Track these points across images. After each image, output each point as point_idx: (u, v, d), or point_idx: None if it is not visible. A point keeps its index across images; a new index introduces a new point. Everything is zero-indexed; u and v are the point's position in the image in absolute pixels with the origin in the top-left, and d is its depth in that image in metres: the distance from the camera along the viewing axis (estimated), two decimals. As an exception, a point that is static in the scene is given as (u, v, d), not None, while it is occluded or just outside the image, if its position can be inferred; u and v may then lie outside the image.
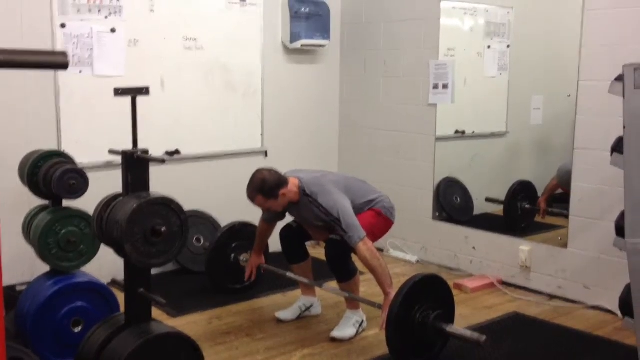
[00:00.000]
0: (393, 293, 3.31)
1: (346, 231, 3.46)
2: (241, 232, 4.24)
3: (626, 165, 2.57)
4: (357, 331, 3.68)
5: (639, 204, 2.53)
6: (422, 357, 3.28)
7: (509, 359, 3.42)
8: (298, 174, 3.66)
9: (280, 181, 3.55)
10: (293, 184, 3.59)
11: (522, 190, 4.97)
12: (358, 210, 3.60)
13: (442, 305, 3.31)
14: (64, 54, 1.50)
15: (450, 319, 3.36)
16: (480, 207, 5.27)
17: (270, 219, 3.90)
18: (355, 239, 3.44)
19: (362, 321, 3.72)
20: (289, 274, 3.95)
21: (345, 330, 3.66)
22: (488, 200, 5.19)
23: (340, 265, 3.62)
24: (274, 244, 4.09)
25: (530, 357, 3.44)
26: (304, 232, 3.86)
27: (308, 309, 3.93)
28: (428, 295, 3.27)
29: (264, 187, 3.53)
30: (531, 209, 4.92)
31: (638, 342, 2.69)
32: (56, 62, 1.52)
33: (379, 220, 3.74)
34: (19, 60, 1.49)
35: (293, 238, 3.88)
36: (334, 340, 3.61)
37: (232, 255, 4.20)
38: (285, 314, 3.90)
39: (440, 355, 3.36)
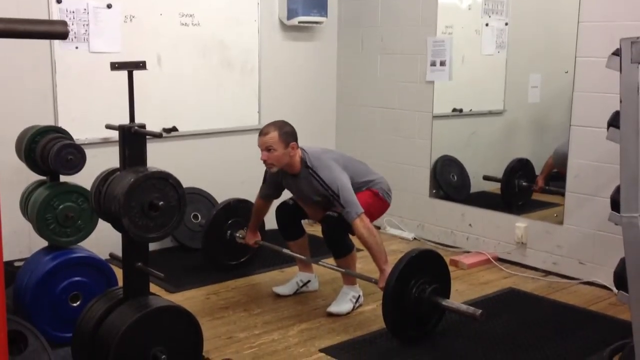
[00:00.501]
0: (388, 269, 3.34)
1: (344, 206, 3.47)
2: (237, 209, 4.25)
3: (622, 139, 2.57)
4: (354, 306, 3.71)
5: (634, 178, 2.53)
6: (418, 331, 3.31)
7: (505, 333, 3.44)
8: (302, 147, 3.67)
9: (296, 136, 3.59)
10: (298, 153, 3.60)
11: (520, 168, 4.98)
12: (356, 189, 3.61)
13: (438, 280, 3.33)
14: (63, 23, 1.49)
15: (446, 294, 3.38)
16: (477, 185, 5.27)
17: (267, 195, 3.91)
18: (352, 214, 3.46)
19: (359, 296, 3.75)
20: (285, 250, 3.96)
21: (342, 305, 3.68)
22: (486, 178, 5.20)
23: (337, 241, 3.64)
24: (270, 221, 4.10)
25: (526, 332, 3.47)
26: (300, 209, 3.87)
27: (305, 284, 3.96)
28: (424, 270, 3.29)
29: (284, 127, 3.56)
30: (528, 187, 4.93)
31: (632, 316, 2.71)
32: (55, 31, 1.51)
33: (376, 201, 3.76)
34: (18, 29, 1.48)
35: (289, 215, 3.89)
36: (330, 315, 3.64)
37: (229, 232, 4.21)
38: (282, 289, 3.93)
39: (437, 329, 3.39)
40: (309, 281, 3.97)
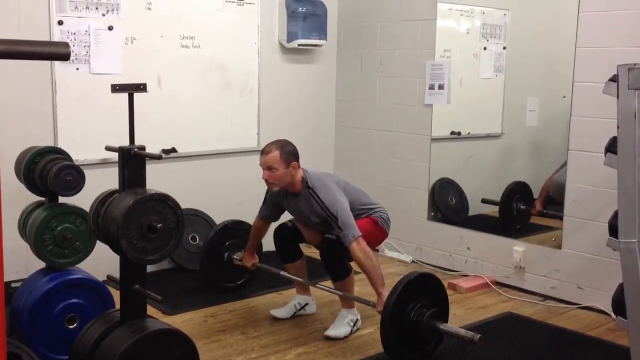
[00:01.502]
0: (385, 293, 3.32)
1: (342, 229, 3.47)
2: (234, 231, 4.24)
3: (620, 165, 2.59)
4: (352, 330, 3.69)
5: (632, 203, 2.54)
6: (417, 355, 3.30)
7: (503, 358, 3.43)
8: (303, 168, 3.68)
9: (297, 155, 3.61)
10: (299, 173, 3.61)
11: (518, 191, 4.99)
12: (355, 215, 3.61)
13: (437, 304, 3.32)
14: (65, 45, 1.50)
15: (445, 318, 3.37)
16: (475, 207, 5.28)
17: (267, 216, 3.90)
18: (350, 237, 3.46)
19: (357, 320, 3.74)
20: (283, 273, 3.96)
21: (339, 328, 3.67)
22: (484, 201, 5.21)
23: (336, 265, 3.63)
24: (268, 243, 4.10)
25: (524, 357, 3.45)
26: (298, 232, 3.87)
27: (303, 307, 3.94)
28: (422, 294, 3.28)
29: (286, 146, 3.58)
30: (526, 210, 4.94)
31: (631, 342, 2.70)
32: (58, 52, 1.52)
33: (375, 229, 3.76)
34: (20, 51, 1.49)
35: (287, 237, 3.89)
36: (328, 338, 3.62)
37: (226, 254, 4.20)
38: (280, 312, 3.91)
39: (435, 354, 3.37)
40: (306, 304, 3.96)
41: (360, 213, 3.69)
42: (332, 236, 3.55)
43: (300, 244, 3.96)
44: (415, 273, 3.36)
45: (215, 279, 4.24)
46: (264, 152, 3.59)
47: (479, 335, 3.14)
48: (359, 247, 3.46)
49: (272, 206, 3.86)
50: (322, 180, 3.65)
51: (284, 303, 4.03)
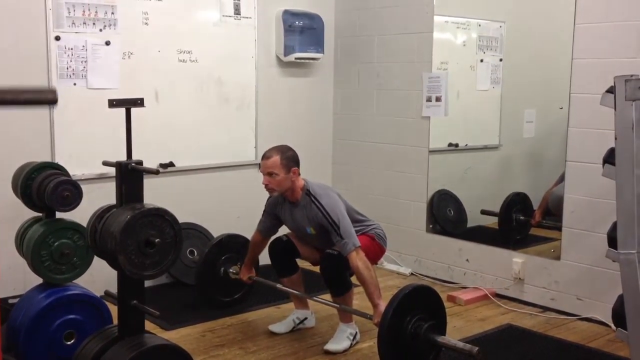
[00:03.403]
0: (383, 305, 3.31)
1: (343, 237, 3.46)
2: (230, 245, 4.21)
3: (618, 176, 2.59)
4: (351, 344, 3.67)
5: (630, 214, 2.54)
6: None
7: (503, 371, 3.41)
8: (304, 179, 3.68)
9: (298, 161, 3.61)
10: (300, 181, 3.61)
11: (518, 202, 4.98)
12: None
13: (435, 316, 3.30)
14: (53, 91, 1.50)
15: (442, 330, 3.35)
16: (473, 219, 5.27)
17: (266, 229, 3.88)
18: (350, 246, 3.45)
19: (356, 333, 3.72)
20: (279, 286, 3.94)
21: (339, 343, 3.65)
22: (483, 212, 5.20)
23: (337, 280, 3.61)
24: (264, 257, 4.08)
25: (524, 369, 3.44)
26: (293, 246, 3.85)
27: (302, 321, 3.92)
28: (420, 306, 3.27)
29: (287, 152, 3.58)
30: (526, 221, 4.92)
31: (631, 353, 2.69)
32: (45, 98, 1.52)
33: (373, 245, 3.75)
34: (7, 99, 1.49)
35: (282, 251, 3.86)
36: (327, 353, 3.60)
37: (222, 268, 4.18)
38: (279, 327, 3.89)
39: (434, 367, 3.35)
40: (305, 318, 3.94)
41: (357, 230, 3.66)
42: (333, 251, 3.54)
43: (296, 259, 3.93)
44: (413, 285, 3.35)
45: (212, 293, 4.21)
46: (264, 157, 3.59)
47: (477, 348, 3.13)
48: (358, 257, 3.44)
49: (270, 218, 3.85)
50: (324, 189, 3.67)
51: (282, 317, 4.01)
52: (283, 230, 3.91)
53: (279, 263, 3.89)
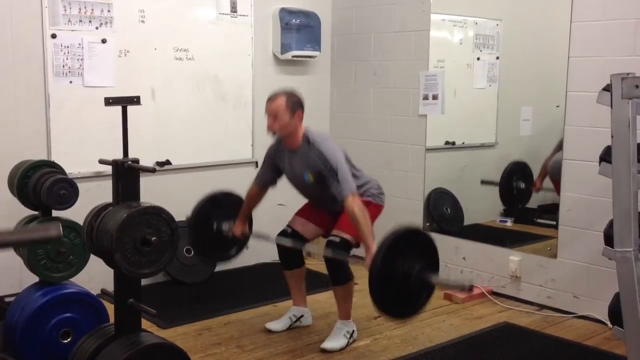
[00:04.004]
0: (375, 247, 3.22)
1: (340, 182, 3.44)
2: (223, 202, 4.03)
3: (614, 174, 2.58)
4: (348, 342, 3.67)
5: (627, 213, 2.54)
6: (408, 309, 3.19)
7: (500, 368, 3.42)
8: (306, 126, 3.65)
9: (303, 106, 3.61)
10: (302, 128, 3.61)
11: (517, 171, 4.92)
12: None
13: (426, 257, 3.18)
14: (57, 227, 1.51)
15: (435, 269, 3.23)
16: (470, 217, 5.28)
17: (263, 180, 3.83)
18: (346, 190, 3.43)
19: (353, 331, 3.72)
20: (275, 239, 3.83)
21: (336, 341, 3.65)
22: (483, 182, 5.16)
23: (338, 267, 3.60)
24: (267, 254, 4.07)
25: (521, 367, 3.44)
26: (298, 236, 3.82)
27: (299, 319, 3.92)
28: (411, 248, 3.15)
29: (293, 95, 3.58)
30: (527, 189, 4.87)
31: (628, 351, 2.69)
32: (50, 236, 1.53)
33: (369, 209, 3.63)
34: (15, 240, 1.52)
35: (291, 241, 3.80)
36: (324, 351, 3.60)
37: (215, 223, 3.99)
38: (275, 325, 3.90)
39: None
40: (302, 316, 3.94)
41: None
42: (336, 238, 3.54)
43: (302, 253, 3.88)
44: (404, 227, 3.23)
45: (209, 251, 4.07)
46: (270, 99, 3.58)
47: (469, 284, 3.07)
48: (354, 202, 3.41)
49: (269, 169, 3.80)
50: (324, 137, 3.66)
51: (279, 315, 4.01)
52: (285, 220, 3.88)
53: (287, 256, 3.84)
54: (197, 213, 3.96)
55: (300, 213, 3.89)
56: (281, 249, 3.86)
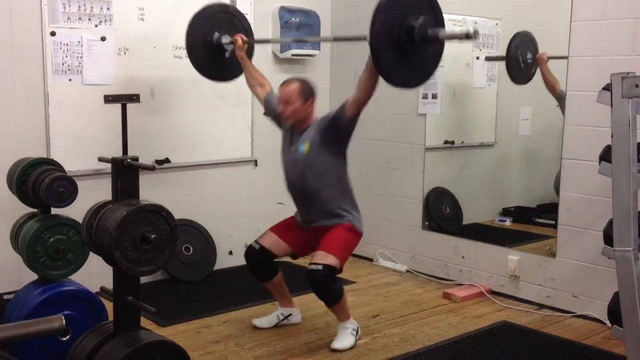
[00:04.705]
0: None
1: (344, 104, 3.50)
2: (219, 19, 4.06)
3: (614, 173, 2.59)
4: (355, 339, 3.65)
5: (626, 212, 2.54)
6: (416, 75, 3.23)
7: (499, 367, 3.42)
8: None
9: (315, 94, 3.65)
10: (313, 115, 3.66)
11: (526, 43, 4.83)
12: (333, 209, 3.61)
13: (430, 12, 3.08)
14: (59, 319, 1.52)
15: (440, 24, 3.12)
16: (469, 216, 5.28)
17: (270, 102, 3.85)
18: (344, 101, 3.49)
19: (357, 328, 3.70)
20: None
21: (345, 340, 3.62)
22: (488, 59, 5.12)
23: (327, 293, 3.55)
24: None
25: (520, 366, 3.44)
26: (267, 252, 3.74)
27: (286, 317, 3.91)
28: (410, 7, 3.06)
29: (308, 83, 3.62)
30: (533, 60, 4.76)
31: (627, 351, 2.70)
32: (53, 329, 1.55)
33: (353, 235, 3.65)
34: (17, 334, 1.54)
35: (258, 259, 3.77)
36: (335, 351, 3.56)
37: (215, 35, 4.02)
38: (262, 322, 3.89)
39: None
40: (290, 314, 3.92)
41: (335, 217, 3.61)
42: (317, 266, 3.45)
43: (274, 260, 3.83)
44: None
45: (207, 67, 4.11)
46: (284, 84, 3.61)
47: (473, 30, 2.93)
48: (352, 97, 3.48)
49: (273, 114, 3.82)
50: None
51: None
52: (254, 235, 3.88)
53: (258, 271, 3.81)
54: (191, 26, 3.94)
55: (274, 229, 3.82)
56: (251, 266, 3.80)
